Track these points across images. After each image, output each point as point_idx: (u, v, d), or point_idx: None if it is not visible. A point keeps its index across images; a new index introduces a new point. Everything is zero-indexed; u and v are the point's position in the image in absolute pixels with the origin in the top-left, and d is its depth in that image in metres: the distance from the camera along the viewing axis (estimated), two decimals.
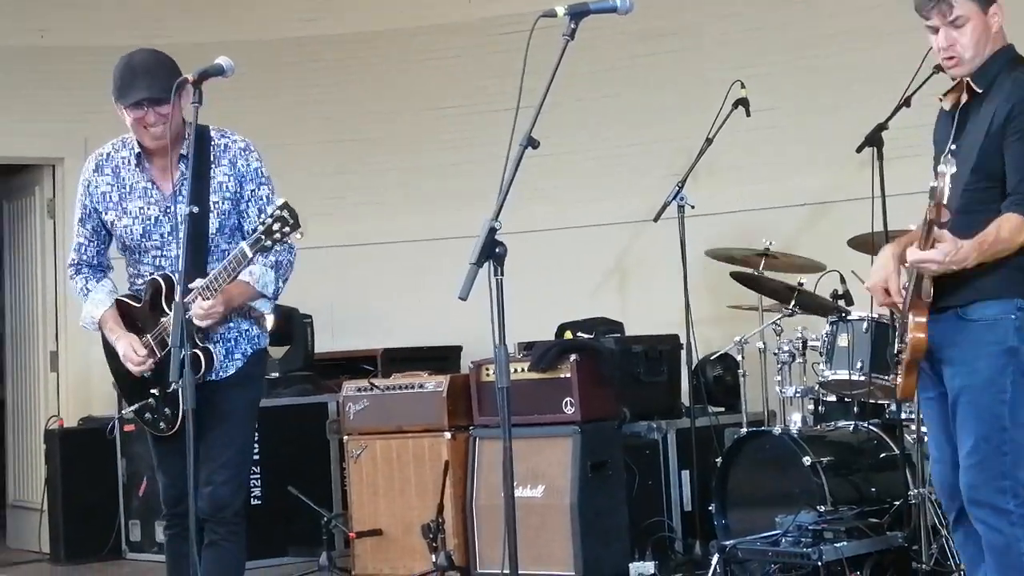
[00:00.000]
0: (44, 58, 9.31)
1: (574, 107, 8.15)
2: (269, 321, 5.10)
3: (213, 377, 4.87)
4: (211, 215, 4.89)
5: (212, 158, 4.93)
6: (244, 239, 4.76)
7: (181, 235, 4.57)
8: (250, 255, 4.63)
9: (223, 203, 4.91)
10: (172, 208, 4.85)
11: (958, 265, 4.27)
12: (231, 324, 4.93)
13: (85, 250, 5.08)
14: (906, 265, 4.47)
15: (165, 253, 4.93)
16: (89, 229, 5.05)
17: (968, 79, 4.55)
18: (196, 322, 4.67)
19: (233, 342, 4.95)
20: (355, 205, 9.60)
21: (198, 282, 4.68)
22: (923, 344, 4.45)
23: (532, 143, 4.13)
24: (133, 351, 4.86)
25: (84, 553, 8.89)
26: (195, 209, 4.61)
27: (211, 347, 4.86)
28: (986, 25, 4.52)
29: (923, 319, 4.44)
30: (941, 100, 4.69)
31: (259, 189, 4.96)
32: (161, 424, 4.92)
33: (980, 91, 4.52)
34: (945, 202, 4.24)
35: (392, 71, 9.64)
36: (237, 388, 4.95)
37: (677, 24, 8.61)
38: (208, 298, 4.66)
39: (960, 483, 4.50)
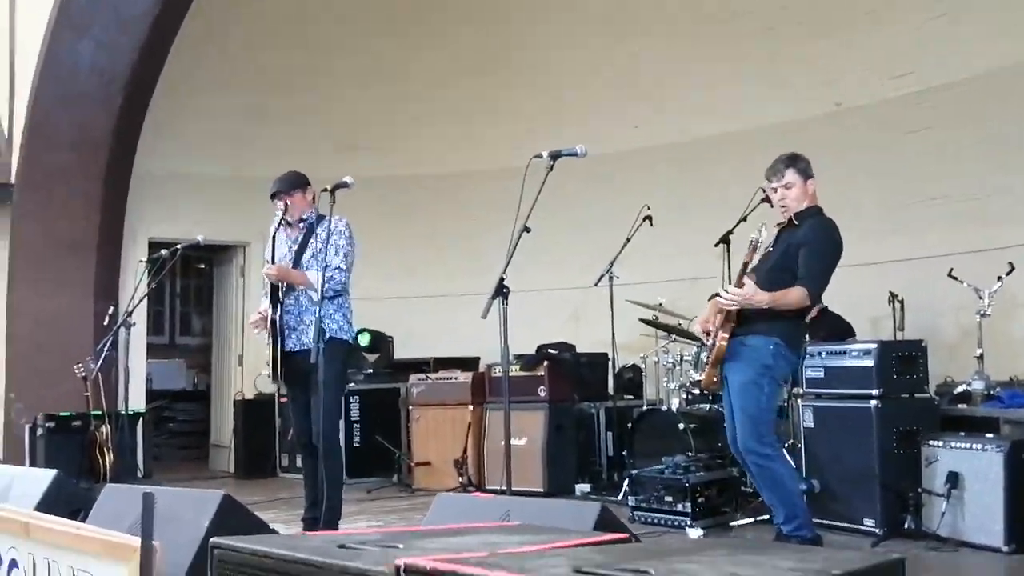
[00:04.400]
0: (239, 184, 9.29)
1: (554, 214, 8.08)
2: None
3: (295, 348, 5.01)
4: (307, 250, 5.19)
5: (321, 226, 5.15)
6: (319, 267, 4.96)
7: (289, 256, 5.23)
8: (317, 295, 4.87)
9: (320, 247, 5.08)
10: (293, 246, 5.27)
11: (755, 304, 4.40)
12: (312, 316, 4.88)
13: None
14: (719, 304, 4.61)
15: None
16: (269, 258, 5.26)
17: (792, 216, 4.69)
18: (267, 270, 5.16)
19: (316, 329, 4.73)
20: (425, 272, 9.62)
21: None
22: (723, 351, 4.58)
23: (526, 229, 4.26)
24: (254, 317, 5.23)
25: (254, 473, 8.93)
26: (294, 248, 5.21)
27: (286, 318, 5.07)
28: (805, 189, 4.66)
29: (727, 335, 4.56)
30: (778, 226, 4.79)
31: (336, 249, 5.08)
32: (270, 379, 5.15)
33: (797, 224, 4.66)
34: (752, 261, 4.51)
35: (457, 196, 9.63)
36: (325, 365, 4.71)
37: (613, 169, 8.69)
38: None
39: (738, 438, 4.57)
